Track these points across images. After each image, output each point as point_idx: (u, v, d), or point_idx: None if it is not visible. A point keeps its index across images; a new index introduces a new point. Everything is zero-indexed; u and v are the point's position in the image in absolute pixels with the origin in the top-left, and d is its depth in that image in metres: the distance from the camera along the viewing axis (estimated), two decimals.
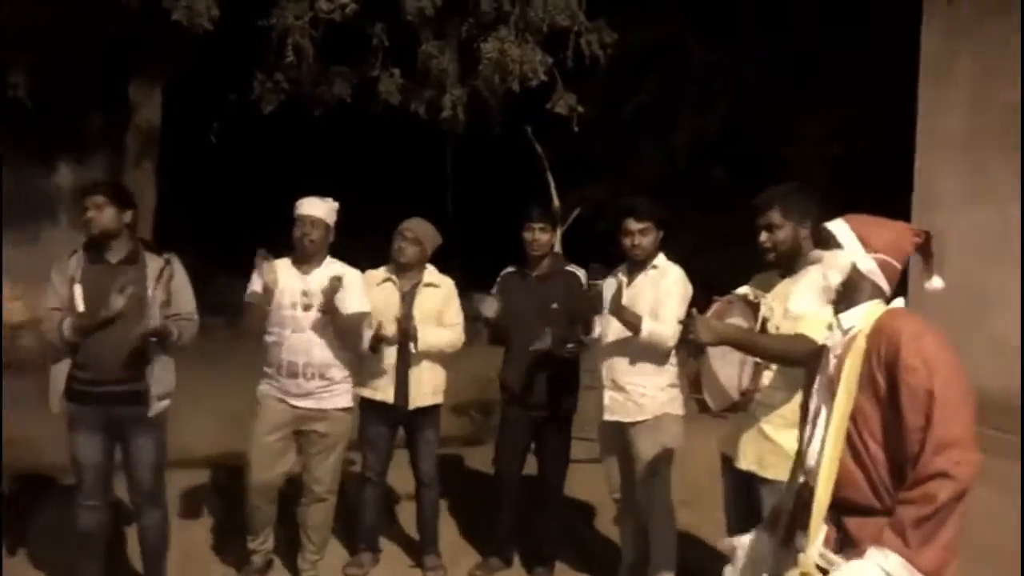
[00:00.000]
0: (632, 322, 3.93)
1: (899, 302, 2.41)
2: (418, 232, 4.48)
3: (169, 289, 3.84)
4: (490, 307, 4.36)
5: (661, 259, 4.14)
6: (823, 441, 2.34)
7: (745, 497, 3.33)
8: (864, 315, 2.36)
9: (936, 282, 2.46)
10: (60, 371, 3.74)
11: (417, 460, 4.58)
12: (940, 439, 2.13)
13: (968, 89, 7.44)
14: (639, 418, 4.05)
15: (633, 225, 4.05)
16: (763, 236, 3.31)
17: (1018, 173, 6.93)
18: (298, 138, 12.07)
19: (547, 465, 4.58)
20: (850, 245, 2.40)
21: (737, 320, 3.23)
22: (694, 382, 3.39)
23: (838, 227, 2.44)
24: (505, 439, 4.64)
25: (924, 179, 7.84)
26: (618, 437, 4.15)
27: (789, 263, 3.28)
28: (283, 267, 4.18)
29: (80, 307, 3.70)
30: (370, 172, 13.33)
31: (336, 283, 4.00)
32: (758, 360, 3.19)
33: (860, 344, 2.31)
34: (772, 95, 12.42)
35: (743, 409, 3.28)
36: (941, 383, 2.16)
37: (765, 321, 3.20)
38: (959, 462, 2.11)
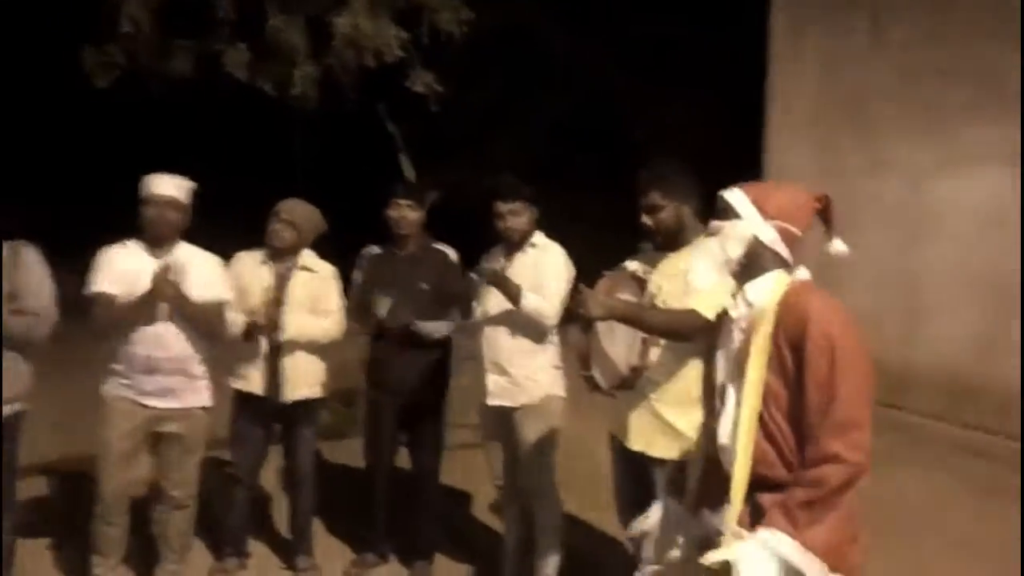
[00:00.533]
0: (512, 293, 3.81)
1: (802, 272, 2.34)
2: (294, 215, 4.19)
3: (16, 282, 3.43)
4: (384, 306, 4.13)
5: (540, 237, 4.02)
6: (735, 420, 2.27)
7: (635, 478, 3.27)
8: (770, 288, 2.29)
9: (838, 245, 2.41)
10: None
11: (293, 457, 4.32)
12: (839, 419, 2.11)
13: (816, 71, 7.70)
14: (524, 401, 3.94)
15: (502, 207, 3.92)
16: (645, 217, 3.27)
17: (864, 149, 7.23)
18: (138, 117, 11.36)
19: (420, 454, 4.41)
20: (748, 214, 2.32)
21: (625, 296, 3.20)
22: (583, 359, 3.32)
23: (735, 196, 2.36)
24: (373, 429, 4.44)
25: (775, 157, 8.09)
26: (502, 421, 4.02)
27: (673, 242, 3.26)
28: (131, 250, 3.80)
29: None
30: (217, 152, 12.71)
31: (167, 269, 3.65)
32: (646, 336, 3.14)
33: (768, 320, 2.24)
34: (628, 80, 12.60)
35: (631, 386, 3.22)
36: (845, 364, 2.14)
37: (652, 297, 3.17)
38: (855, 446, 2.10)
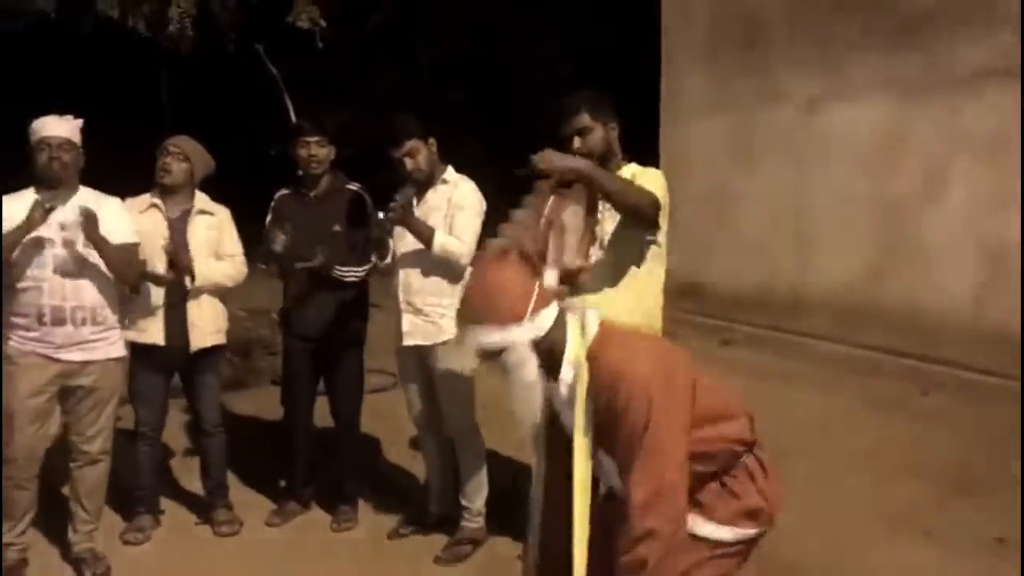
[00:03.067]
0: (422, 232, 3.73)
1: (593, 316, 2.22)
2: (185, 148, 4.00)
3: None
4: (279, 243, 3.96)
5: (450, 172, 3.93)
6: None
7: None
8: (574, 348, 2.16)
9: (549, 277, 2.24)
10: None
11: (198, 407, 4.17)
12: (651, 489, 2.03)
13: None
14: (439, 339, 3.86)
15: (396, 151, 3.81)
16: (576, 142, 3.19)
17: (757, 78, 7.34)
18: None
19: (340, 399, 4.30)
20: (503, 336, 2.11)
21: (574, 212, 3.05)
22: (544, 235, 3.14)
23: (485, 337, 2.13)
24: (291, 376, 4.32)
25: (669, 88, 8.14)
26: (419, 361, 3.96)
27: (603, 165, 3.17)
28: (29, 200, 3.53)
29: None
30: (82, 93, 12.00)
31: (90, 213, 3.46)
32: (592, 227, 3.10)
33: (583, 376, 2.14)
34: (507, 16, 12.45)
35: (572, 283, 3.14)
36: (657, 423, 2.03)
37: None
38: (667, 519, 2.04)
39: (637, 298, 3.17)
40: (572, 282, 3.13)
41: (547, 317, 2.15)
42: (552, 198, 2.74)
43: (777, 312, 7.18)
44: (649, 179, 3.13)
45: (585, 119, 3.18)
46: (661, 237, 3.20)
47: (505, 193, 3.18)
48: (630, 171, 3.21)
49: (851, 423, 5.32)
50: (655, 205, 3.04)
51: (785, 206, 7.18)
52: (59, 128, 3.56)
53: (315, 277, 4.07)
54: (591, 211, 3.05)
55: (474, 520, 3.98)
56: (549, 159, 2.86)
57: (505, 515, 3.95)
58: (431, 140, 3.86)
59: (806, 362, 6.53)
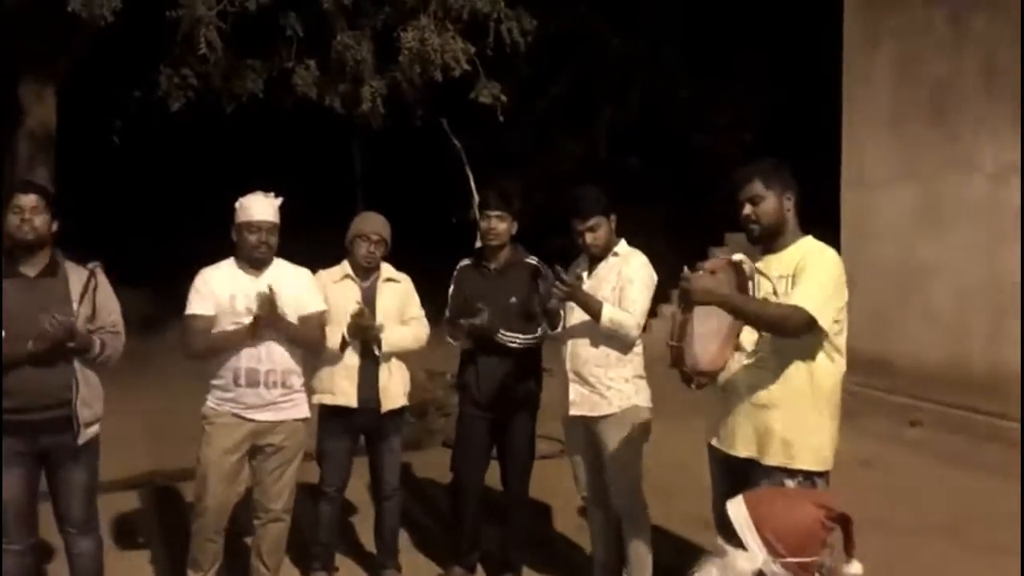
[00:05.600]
0: (591, 306, 3.76)
1: None
2: (383, 233, 4.27)
3: (95, 302, 3.51)
4: (482, 317, 4.10)
5: (622, 246, 3.97)
6: None
7: (738, 487, 3.16)
8: None
9: (855, 568, 2.08)
10: None
11: (380, 470, 4.33)
12: None
13: (893, 66, 7.53)
14: (605, 412, 3.87)
15: (580, 225, 3.88)
16: (747, 209, 3.15)
17: (944, 147, 7.03)
18: (201, 138, 11.56)
19: (511, 467, 4.35)
20: (754, 548, 2.01)
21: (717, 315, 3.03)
22: (680, 330, 3.02)
23: (736, 511, 2.06)
24: (465, 442, 4.38)
25: (853, 157, 7.90)
26: (584, 432, 3.96)
27: (773, 236, 3.15)
28: (229, 272, 3.84)
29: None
30: (280, 169, 12.95)
31: (270, 299, 3.69)
32: (733, 332, 3.03)
33: None
34: (685, 84, 12.47)
35: (710, 382, 3.10)
36: None
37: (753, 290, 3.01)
38: None
39: (810, 382, 3.07)
40: (705, 383, 3.11)
41: None
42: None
43: (970, 391, 6.72)
44: (817, 268, 3.03)
45: (758, 187, 3.13)
46: (835, 329, 3.05)
47: (683, 257, 3.20)
48: (802, 249, 3.13)
49: None
50: (804, 326, 2.90)
51: (978, 278, 6.76)
52: (266, 212, 3.81)
53: (486, 344, 4.16)
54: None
55: None
56: (696, 285, 2.83)
57: None
58: (612, 216, 3.92)
59: (1004, 447, 6.06)
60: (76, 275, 3.51)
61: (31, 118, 8.43)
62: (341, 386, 4.17)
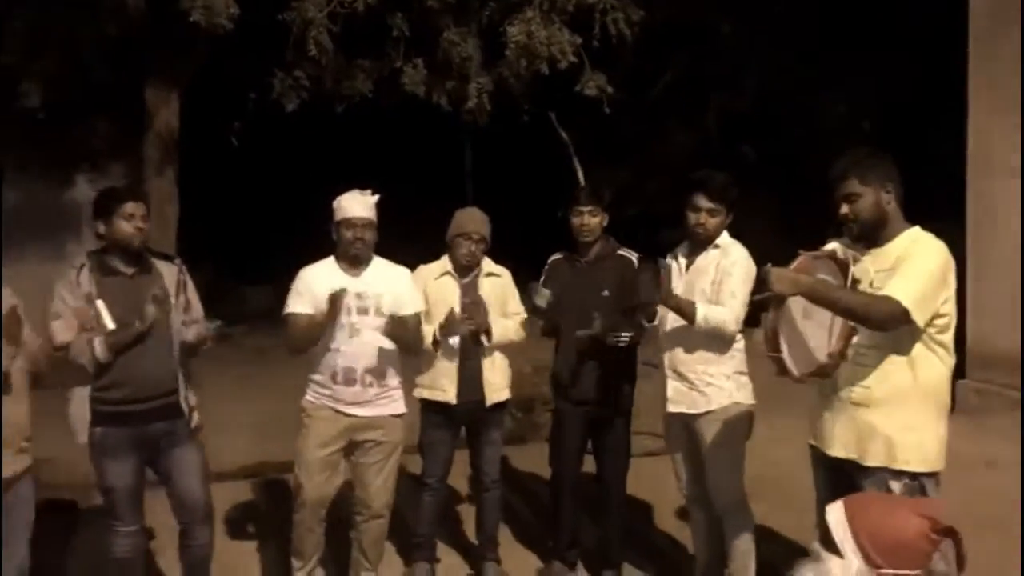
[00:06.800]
0: (685, 310, 3.69)
1: None
2: (483, 231, 4.30)
3: (187, 295, 3.70)
4: (543, 297, 4.11)
5: (724, 237, 3.87)
6: None
7: (841, 489, 3.05)
8: None
9: None
10: (81, 397, 3.52)
11: (481, 462, 4.37)
12: None
13: (1019, 50, 7.13)
14: (705, 409, 3.79)
15: (704, 203, 3.77)
16: (844, 208, 3.02)
17: None
18: (314, 137, 11.90)
19: (607, 463, 4.32)
20: (850, 556, 1.93)
21: (824, 277, 2.92)
22: (772, 340, 3.03)
23: (835, 518, 1.98)
24: (560, 437, 4.37)
25: (979, 147, 7.51)
26: (684, 430, 3.90)
27: (874, 233, 3.01)
28: (328, 270, 3.95)
29: (109, 324, 3.47)
30: (388, 167, 13.21)
31: (340, 292, 3.77)
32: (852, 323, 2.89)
33: None
34: (801, 71, 12.10)
35: (828, 375, 2.96)
36: None
37: (856, 283, 2.89)
38: None
39: (912, 378, 2.94)
40: (822, 377, 2.99)
41: None
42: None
43: None
44: (917, 258, 2.89)
45: (853, 184, 3.00)
46: (939, 324, 2.92)
47: (798, 248, 3.11)
48: (908, 238, 2.99)
49: None
50: (893, 318, 2.77)
51: None
52: (363, 210, 3.89)
53: (590, 343, 4.13)
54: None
55: None
56: (774, 282, 2.77)
57: None
58: (731, 213, 3.83)
59: None
60: (168, 271, 3.68)
61: (157, 121, 8.85)
62: (440, 383, 4.22)
